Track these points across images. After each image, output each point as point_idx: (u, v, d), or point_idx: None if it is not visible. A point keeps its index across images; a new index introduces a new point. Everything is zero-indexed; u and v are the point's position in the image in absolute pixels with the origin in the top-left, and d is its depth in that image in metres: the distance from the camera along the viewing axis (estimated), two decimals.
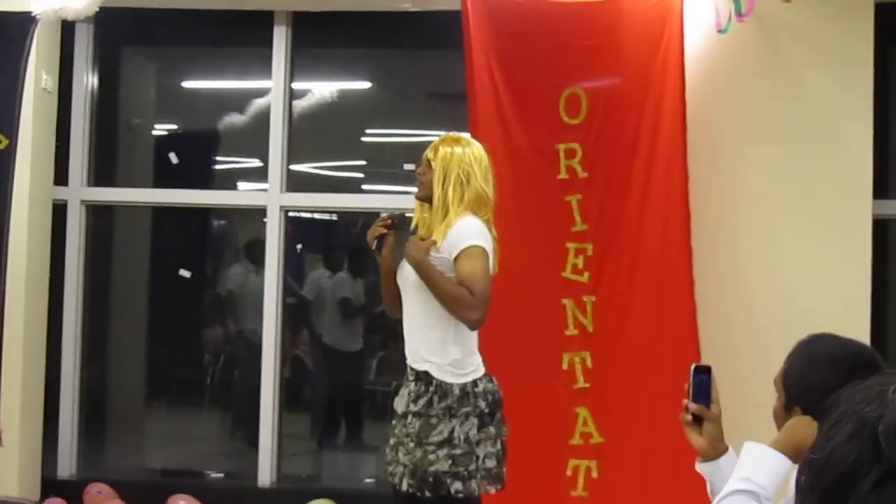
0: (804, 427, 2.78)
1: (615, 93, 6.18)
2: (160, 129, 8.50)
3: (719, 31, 5.96)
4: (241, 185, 8.34)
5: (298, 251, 8.78)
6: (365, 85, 8.32)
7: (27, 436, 6.75)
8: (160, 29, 7.49)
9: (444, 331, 4.48)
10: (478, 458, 4.42)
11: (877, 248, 6.20)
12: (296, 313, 8.37)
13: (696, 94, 6.10)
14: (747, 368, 5.35)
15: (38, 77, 6.64)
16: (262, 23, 7.14)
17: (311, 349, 8.68)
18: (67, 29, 7.04)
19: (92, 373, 7.48)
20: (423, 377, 4.51)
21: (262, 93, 7.45)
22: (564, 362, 6.12)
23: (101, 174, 7.47)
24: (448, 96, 7.40)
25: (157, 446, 8.29)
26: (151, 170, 8.16)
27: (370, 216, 8.27)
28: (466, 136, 4.94)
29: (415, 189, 4.76)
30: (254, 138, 7.45)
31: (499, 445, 4.53)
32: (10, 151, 6.23)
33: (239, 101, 7.81)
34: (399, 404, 4.61)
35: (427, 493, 4.42)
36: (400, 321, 4.72)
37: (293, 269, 8.10)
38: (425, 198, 4.66)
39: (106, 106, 7.59)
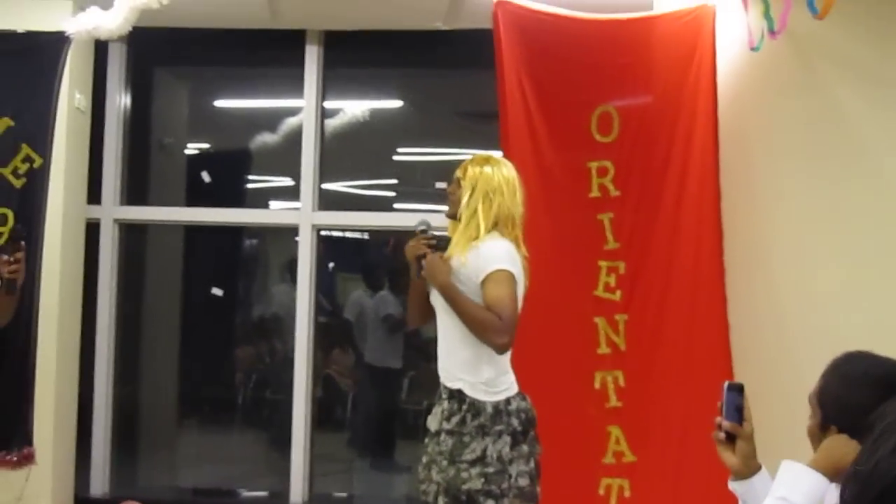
0: (842, 446, 2.76)
1: (647, 111, 6.16)
2: (192, 148, 8.54)
3: (752, 49, 5.94)
4: (273, 203, 8.36)
5: (330, 270, 8.78)
6: (396, 104, 8.33)
7: (60, 454, 6.77)
8: (192, 48, 7.53)
9: (477, 349, 4.46)
10: (510, 476, 4.41)
11: None
12: (330, 332, 8.37)
13: (729, 111, 6.08)
14: (780, 386, 5.31)
15: (71, 96, 6.68)
16: (293, 42, 7.18)
17: (353, 369, 8.68)
18: (101, 49, 7.09)
19: (124, 391, 7.51)
20: (456, 395, 4.50)
21: (293, 112, 7.48)
22: (597, 381, 6.09)
23: (134, 193, 7.50)
24: (479, 115, 7.40)
25: (190, 465, 8.30)
26: (184, 188, 8.19)
27: (402, 234, 8.32)
28: (497, 155, 4.94)
29: (446, 207, 4.76)
30: (285, 157, 7.48)
31: (532, 464, 4.50)
32: (44, 170, 6.26)
33: (271, 120, 7.84)
34: (432, 422, 4.60)
35: None
36: (433, 340, 4.71)
37: (325, 288, 8.10)
38: (455, 216, 4.67)
39: (138, 125, 7.63)
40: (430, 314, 4.74)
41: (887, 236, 6.06)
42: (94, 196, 7.18)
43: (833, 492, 2.70)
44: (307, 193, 7.18)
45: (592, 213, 6.13)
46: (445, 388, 4.57)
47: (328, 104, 7.39)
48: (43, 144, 6.27)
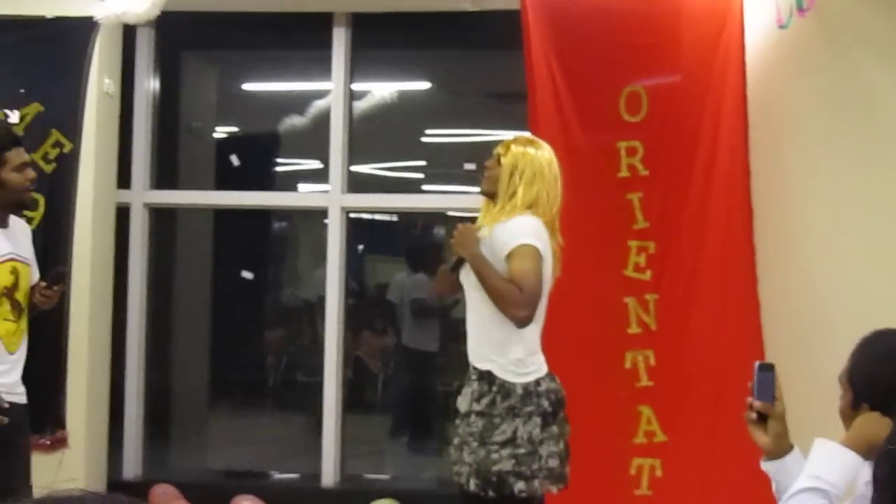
0: (874, 424, 2.76)
1: (676, 90, 6.14)
2: (221, 132, 8.56)
3: (780, 27, 5.90)
4: (302, 186, 8.37)
5: (360, 252, 8.79)
6: (424, 85, 8.33)
7: (93, 438, 6.81)
8: (220, 32, 7.52)
9: (507, 330, 4.45)
10: (541, 457, 4.41)
11: None
12: (359, 314, 8.38)
13: (757, 89, 6.04)
14: (812, 365, 5.28)
15: (100, 81, 6.69)
16: (321, 25, 7.16)
17: (383, 351, 8.70)
18: (129, 34, 7.09)
19: (156, 375, 7.53)
20: (486, 376, 4.49)
21: (321, 94, 7.47)
22: (627, 361, 6.09)
23: (164, 177, 7.52)
24: (507, 96, 7.39)
25: (221, 447, 8.34)
26: (213, 172, 8.21)
27: (430, 216, 8.30)
28: (540, 140, 4.89)
29: (474, 189, 4.75)
30: (314, 140, 7.47)
31: (562, 445, 4.51)
32: (74, 155, 6.31)
33: (299, 102, 7.84)
34: (462, 403, 4.60)
35: (490, 493, 4.41)
36: (463, 321, 4.72)
37: (354, 271, 8.11)
38: (489, 192, 4.66)
39: (167, 109, 7.64)
40: (455, 286, 4.75)
41: None
42: (123, 180, 7.19)
43: (866, 469, 2.69)
44: (336, 176, 7.17)
45: (622, 192, 6.12)
46: (475, 369, 4.56)
47: (356, 86, 7.38)
48: (73, 129, 6.31)
